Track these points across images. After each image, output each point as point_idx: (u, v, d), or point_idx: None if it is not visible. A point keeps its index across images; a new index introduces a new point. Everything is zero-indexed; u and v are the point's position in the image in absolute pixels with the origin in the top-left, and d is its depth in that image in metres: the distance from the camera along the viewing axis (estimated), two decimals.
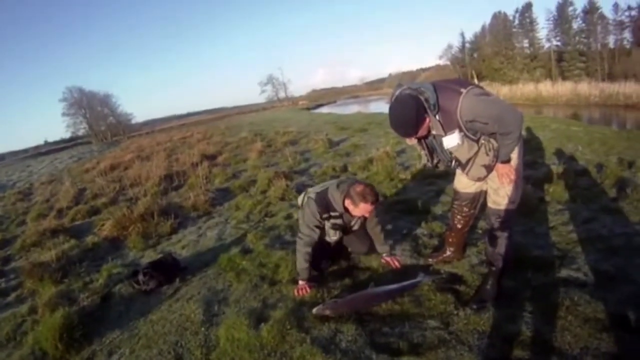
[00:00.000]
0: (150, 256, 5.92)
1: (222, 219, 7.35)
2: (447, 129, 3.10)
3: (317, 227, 4.10)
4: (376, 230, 4.40)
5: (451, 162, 3.36)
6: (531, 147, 9.17)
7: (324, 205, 4.07)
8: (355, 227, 4.31)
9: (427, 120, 3.11)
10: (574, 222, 4.91)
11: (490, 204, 3.52)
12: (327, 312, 3.61)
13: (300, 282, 4.11)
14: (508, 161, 3.24)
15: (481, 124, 3.03)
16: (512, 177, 3.27)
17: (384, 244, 4.43)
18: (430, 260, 4.42)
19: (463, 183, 3.83)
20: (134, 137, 44.32)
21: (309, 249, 4.10)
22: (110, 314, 4.56)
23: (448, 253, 4.34)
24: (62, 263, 6.10)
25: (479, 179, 3.47)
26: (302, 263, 4.11)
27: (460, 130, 3.08)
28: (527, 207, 5.16)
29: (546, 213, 5.29)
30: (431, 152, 3.45)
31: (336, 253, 4.60)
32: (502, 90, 39.68)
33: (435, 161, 3.50)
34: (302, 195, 4.46)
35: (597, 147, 8.99)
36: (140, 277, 4.85)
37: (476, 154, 3.24)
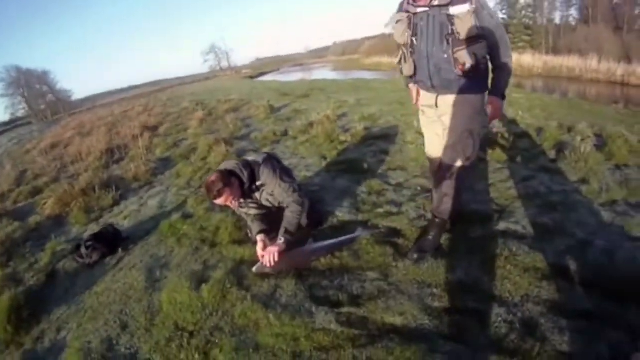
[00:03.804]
0: (93, 230, 5.82)
1: (163, 187, 7.31)
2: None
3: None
4: (286, 212, 3.90)
5: (446, 40, 3.05)
6: None
7: None
8: (264, 202, 4.08)
9: None
10: (513, 179, 4.99)
11: (444, 159, 3.46)
12: (267, 270, 3.65)
13: (258, 238, 3.87)
14: (503, 98, 3.23)
15: (489, 16, 2.98)
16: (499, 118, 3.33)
17: (281, 235, 3.80)
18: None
19: (436, 147, 3.62)
20: (75, 115, 43.07)
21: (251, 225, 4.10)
22: (56, 291, 4.57)
23: None
24: (6, 247, 6.00)
25: (462, 67, 3.08)
26: (247, 219, 4.14)
27: (472, 4, 2.91)
28: None
29: (485, 171, 5.36)
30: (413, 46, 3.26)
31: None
32: None
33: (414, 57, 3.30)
34: None
35: (537, 112, 9.13)
36: (83, 250, 4.85)
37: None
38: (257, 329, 3.03)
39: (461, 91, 3.22)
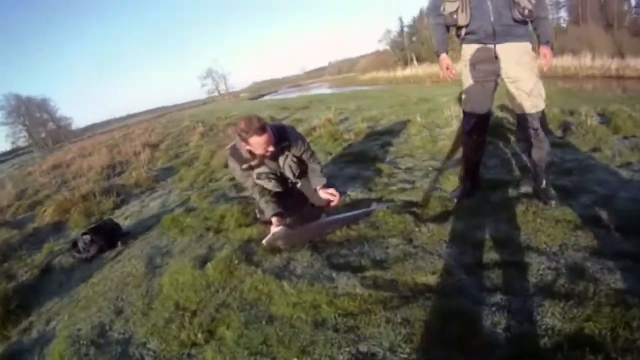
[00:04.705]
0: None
1: (165, 191, 7.16)
2: None
3: (247, 176, 3.73)
4: (312, 165, 3.89)
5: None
6: None
7: (237, 156, 3.66)
8: (286, 168, 3.78)
9: None
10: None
11: (528, 110, 3.36)
12: (279, 243, 3.41)
13: (274, 220, 3.59)
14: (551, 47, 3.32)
15: None
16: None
17: (320, 177, 3.87)
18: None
19: (486, 103, 3.55)
20: (76, 142, 43.28)
21: (257, 188, 3.73)
22: (50, 285, 4.39)
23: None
24: (2, 250, 5.86)
25: (522, 11, 3.16)
26: (259, 201, 3.76)
27: None
28: None
29: (494, 150, 5.25)
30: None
31: (298, 203, 4.09)
32: None
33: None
34: None
35: None
36: (80, 243, 4.63)
37: None
38: (270, 301, 2.75)
39: (520, 38, 3.27)
